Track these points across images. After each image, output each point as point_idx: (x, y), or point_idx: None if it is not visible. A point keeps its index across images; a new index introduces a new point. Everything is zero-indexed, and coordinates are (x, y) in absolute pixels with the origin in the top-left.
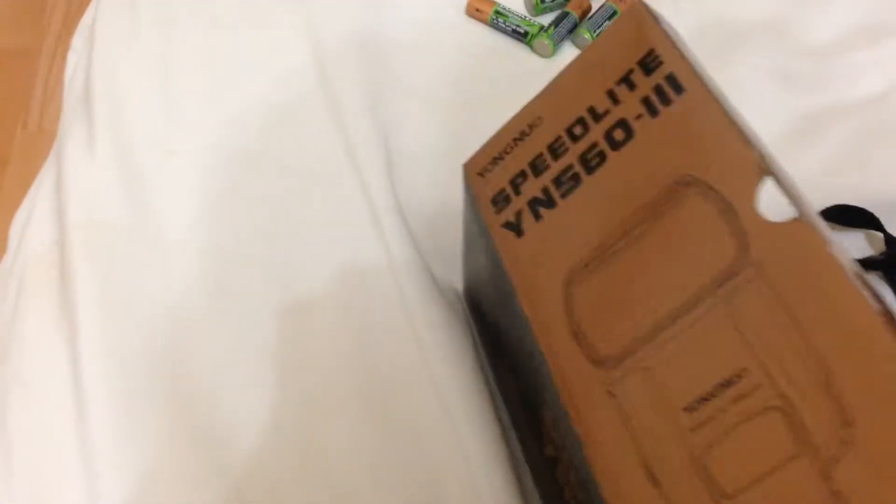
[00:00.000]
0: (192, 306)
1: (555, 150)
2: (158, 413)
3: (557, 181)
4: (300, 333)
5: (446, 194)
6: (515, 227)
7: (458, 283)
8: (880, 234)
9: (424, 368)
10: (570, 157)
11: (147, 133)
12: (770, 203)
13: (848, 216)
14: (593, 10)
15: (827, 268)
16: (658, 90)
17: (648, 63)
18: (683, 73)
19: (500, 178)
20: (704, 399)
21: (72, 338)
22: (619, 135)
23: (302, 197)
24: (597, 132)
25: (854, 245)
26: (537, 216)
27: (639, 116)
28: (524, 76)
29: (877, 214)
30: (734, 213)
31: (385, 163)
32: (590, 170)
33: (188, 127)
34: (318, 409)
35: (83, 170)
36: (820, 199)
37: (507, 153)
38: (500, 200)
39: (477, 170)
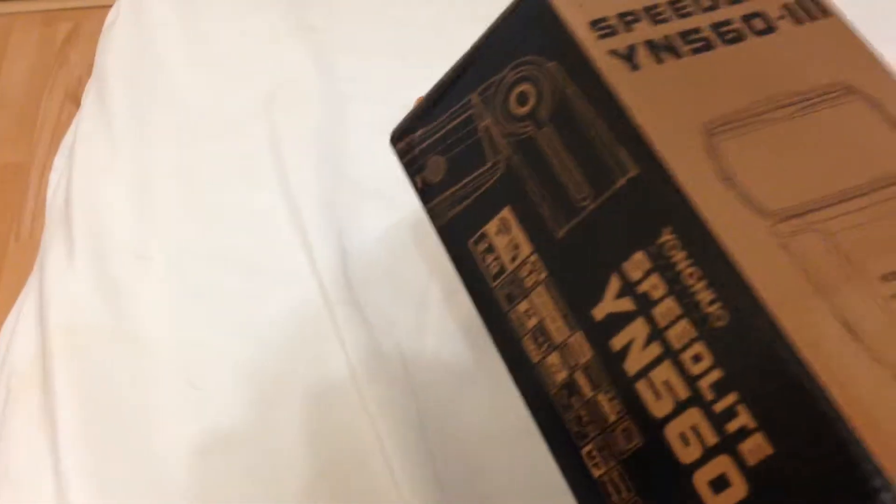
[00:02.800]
0: (167, 399)
1: (678, 9)
2: None
3: (685, 36)
4: (265, 428)
5: (401, 283)
6: (629, 59)
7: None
8: None
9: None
10: (700, 21)
11: (122, 241)
12: None
13: None
14: None
15: None
16: (801, 4)
17: None
18: (820, 2)
19: (601, 6)
20: None
21: (53, 434)
22: (759, 24)
23: (266, 295)
24: (733, 12)
25: None
26: (659, 59)
27: (781, 17)
28: None
29: None
30: None
31: (340, 258)
32: (727, 42)
33: (160, 233)
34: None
35: (63, 279)
36: None
37: None
38: (604, 28)
39: None
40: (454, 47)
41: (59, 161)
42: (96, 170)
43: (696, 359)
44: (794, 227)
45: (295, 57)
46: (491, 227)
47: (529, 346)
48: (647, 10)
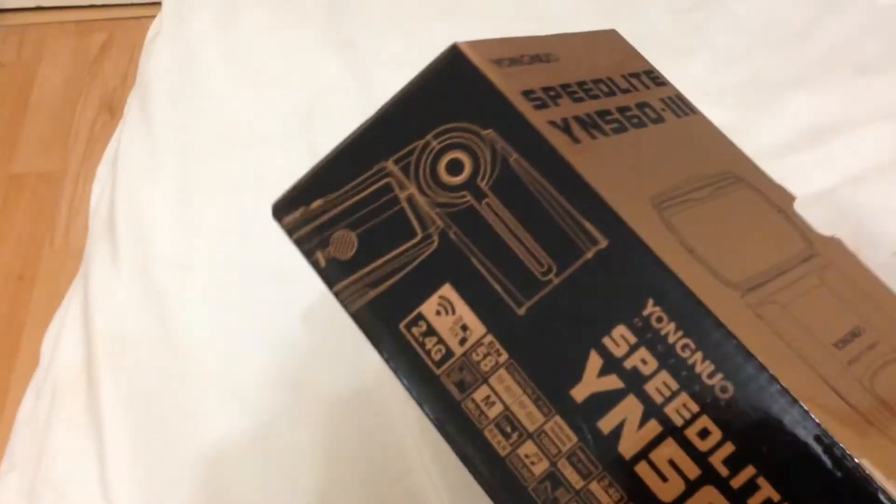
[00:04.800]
0: (209, 407)
1: (587, 90)
2: None
3: (602, 116)
4: (302, 435)
5: None
6: (567, 132)
7: None
8: None
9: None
10: (609, 104)
11: (165, 251)
12: None
13: None
14: None
15: (865, 271)
16: (673, 101)
17: (655, 77)
18: (685, 101)
19: (525, 79)
20: (845, 341)
21: (99, 444)
22: (651, 113)
23: (303, 305)
24: (628, 99)
25: None
26: (592, 135)
27: (664, 109)
28: None
29: None
30: (788, 215)
31: None
32: (634, 126)
33: (201, 244)
34: None
35: (108, 287)
36: None
37: (523, 63)
38: (535, 99)
39: (487, 56)
40: None
41: (102, 170)
42: (139, 180)
43: (704, 434)
44: (758, 298)
45: (333, 71)
46: (428, 307)
47: (494, 437)
48: (564, 87)
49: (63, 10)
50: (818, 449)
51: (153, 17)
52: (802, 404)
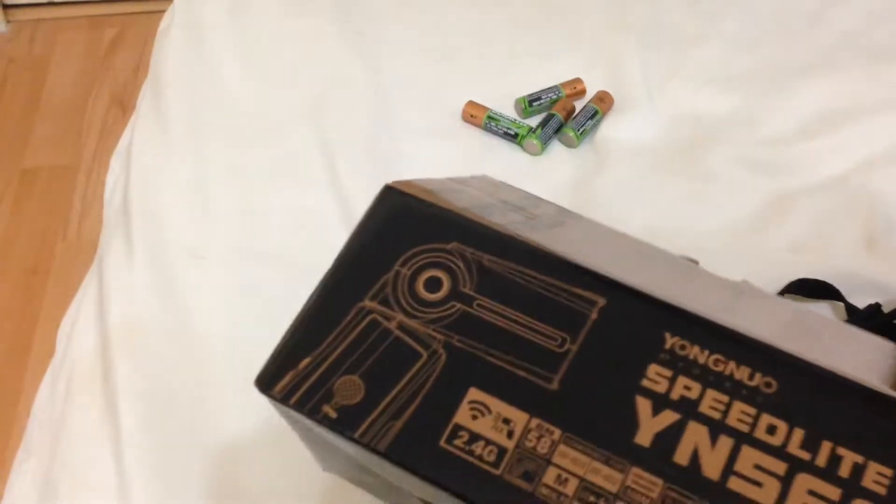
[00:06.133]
0: (223, 395)
1: (517, 206)
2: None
3: (540, 218)
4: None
5: None
6: (520, 228)
7: None
8: (842, 304)
9: None
10: (536, 213)
11: (179, 240)
12: None
13: (812, 289)
14: (577, 111)
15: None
16: (561, 211)
17: (536, 198)
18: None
19: (458, 198)
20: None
21: (115, 429)
22: (565, 213)
23: None
24: (545, 207)
25: None
26: (537, 229)
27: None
28: (516, 172)
29: (837, 286)
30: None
31: None
32: (561, 224)
33: (215, 233)
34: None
35: (122, 276)
36: (786, 274)
37: (448, 188)
38: (477, 208)
39: (420, 186)
40: (495, 51)
41: (115, 162)
42: (153, 170)
43: (772, 430)
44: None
45: (342, 61)
46: (462, 416)
47: None
48: (497, 202)
49: (74, 6)
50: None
51: (164, 11)
52: (839, 373)
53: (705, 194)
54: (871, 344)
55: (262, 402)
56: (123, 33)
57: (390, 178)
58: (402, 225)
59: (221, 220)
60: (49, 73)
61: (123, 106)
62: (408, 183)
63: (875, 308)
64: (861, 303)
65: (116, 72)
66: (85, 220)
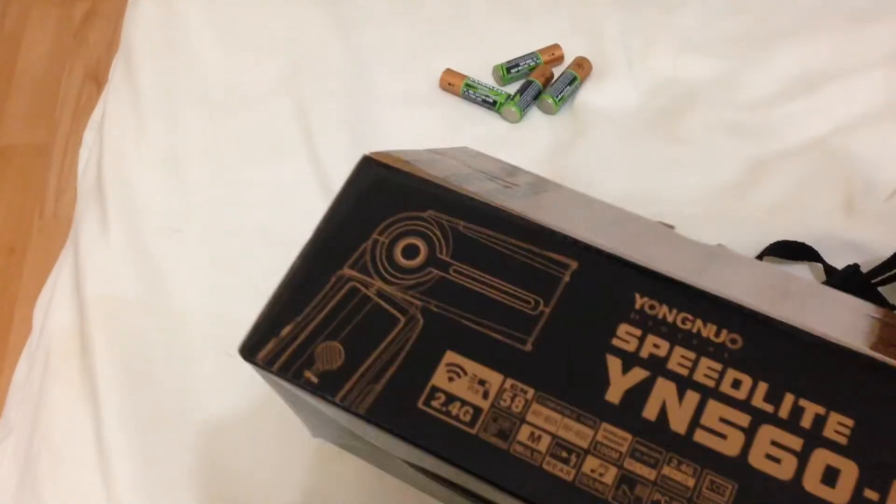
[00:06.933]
0: (202, 366)
1: (494, 175)
2: (182, 476)
3: (518, 186)
4: None
5: None
6: (494, 195)
7: None
8: (820, 265)
9: None
10: (514, 181)
11: (154, 215)
12: None
13: (791, 251)
14: (555, 78)
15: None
16: (540, 181)
17: (515, 167)
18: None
19: (434, 167)
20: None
21: (94, 403)
22: (543, 183)
23: None
24: (525, 177)
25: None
26: (514, 195)
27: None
28: (495, 139)
29: (816, 248)
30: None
31: None
32: (543, 191)
33: (191, 207)
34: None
35: (98, 251)
36: (765, 237)
37: (424, 159)
38: (453, 177)
39: (397, 157)
40: (471, 15)
41: (88, 136)
42: (126, 145)
43: (736, 384)
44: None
45: (317, 29)
46: (439, 378)
47: (555, 466)
48: (474, 171)
49: None
50: (843, 354)
51: None
52: (805, 329)
53: (685, 159)
54: (844, 304)
55: (242, 372)
56: (96, 7)
57: (368, 149)
58: (380, 195)
59: (197, 193)
60: (21, 50)
61: (98, 81)
62: (386, 154)
63: (854, 268)
64: (840, 264)
65: (90, 47)
66: (62, 197)
